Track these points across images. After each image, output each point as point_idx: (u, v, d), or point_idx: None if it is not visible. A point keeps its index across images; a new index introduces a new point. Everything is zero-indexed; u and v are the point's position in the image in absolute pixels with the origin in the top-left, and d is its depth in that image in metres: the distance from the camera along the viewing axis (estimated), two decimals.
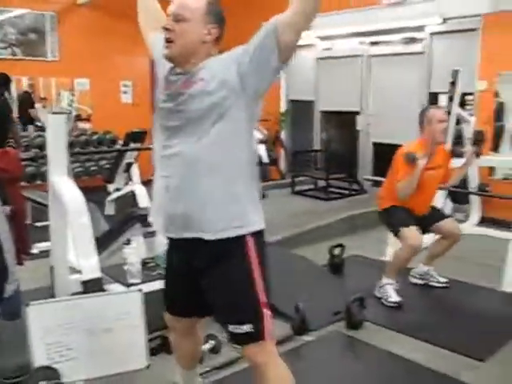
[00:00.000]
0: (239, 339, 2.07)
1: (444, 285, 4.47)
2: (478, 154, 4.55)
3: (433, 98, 7.20)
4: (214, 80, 1.97)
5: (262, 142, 6.88)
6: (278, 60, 1.90)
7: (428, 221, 4.24)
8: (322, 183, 7.94)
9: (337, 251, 4.89)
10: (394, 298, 4.09)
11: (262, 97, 2.06)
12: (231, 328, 2.05)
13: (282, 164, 9.40)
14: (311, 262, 4.74)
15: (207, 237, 2.01)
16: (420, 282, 4.55)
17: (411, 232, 4.01)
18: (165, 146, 2.08)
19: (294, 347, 3.47)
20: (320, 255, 4.95)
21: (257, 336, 2.03)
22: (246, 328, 2.01)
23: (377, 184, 7.73)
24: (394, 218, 4.16)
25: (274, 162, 8.95)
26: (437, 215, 4.34)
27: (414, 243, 3.99)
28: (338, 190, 7.81)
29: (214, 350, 3.20)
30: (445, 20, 7.08)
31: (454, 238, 4.31)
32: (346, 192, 7.82)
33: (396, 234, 4.14)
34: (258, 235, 2.07)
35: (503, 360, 3.33)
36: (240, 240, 2.03)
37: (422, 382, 3.14)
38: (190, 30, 2.02)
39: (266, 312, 2.04)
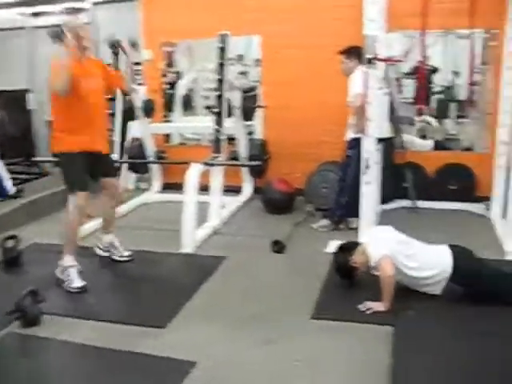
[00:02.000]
0: None
1: (127, 258, 4.40)
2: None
3: None
4: None
5: None
6: None
7: (101, 171, 4.14)
8: None
9: (10, 243, 4.46)
10: (77, 282, 3.87)
11: None
12: None
13: None
14: None
15: None
16: (104, 253, 4.44)
17: (81, 194, 3.91)
18: None
19: None
20: None
21: None
22: None
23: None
24: (67, 176, 3.98)
25: None
26: (109, 169, 4.28)
27: (81, 203, 3.91)
28: (16, 176, 7.19)
29: None
30: None
31: (114, 196, 4.33)
32: (26, 177, 7.25)
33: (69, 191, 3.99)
34: None
35: (180, 322, 3.37)
36: None
37: (98, 364, 2.99)
38: None
39: None
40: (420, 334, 3.11)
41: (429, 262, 3.44)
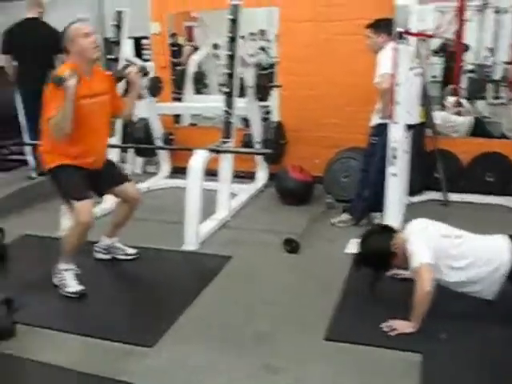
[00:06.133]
0: None
1: (132, 257, 3.91)
2: (145, 74, 3.94)
3: (110, 45, 6.53)
4: None
5: None
6: None
7: (105, 182, 3.59)
8: None
9: None
10: (74, 287, 3.39)
11: None
12: None
13: None
14: None
15: None
16: (106, 256, 3.91)
17: (83, 206, 3.31)
18: None
19: None
20: None
21: None
22: None
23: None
24: (64, 185, 3.40)
25: None
26: (115, 177, 3.68)
27: (86, 220, 3.31)
28: (18, 158, 6.72)
29: None
30: None
31: (134, 202, 3.75)
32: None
33: (68, 203, 3.42)
34: None
35: (170, 342, 2.88)
36: None
37: None
38: None
39: None
40: (452, 365, 2.60)
41: (482, 257, 2.84)
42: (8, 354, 2.81)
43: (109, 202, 4.46)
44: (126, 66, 3.74)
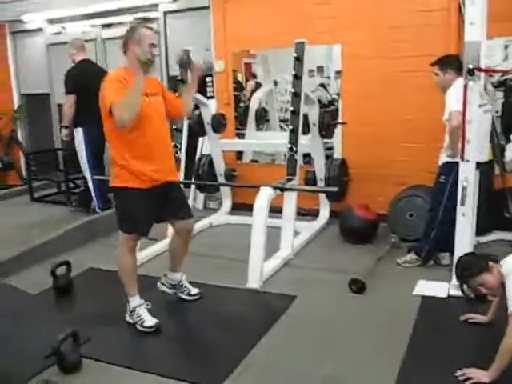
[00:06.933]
0: None
1: (195, 297, 3.87)
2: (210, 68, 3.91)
3: (172, 82, 6.66)
4: None
5: None
6: None
7: (170, 212, 3.56)
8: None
9: (61, 270, 4.09)
10: (149, 321, 3.41)
11: None
12: None
13: (23, 168, 8.26)
14: (20, 293, 3.88)
15: None
16: (169, 291, 3.89)
17: (128, 240, 3.46)
18: None
19: None
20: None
21: None
22: None
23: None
24: (119, 213, 3.48)
25: (9, 165, 7.91)
26: (182, 211, 3.64)
27: (132, 244, 3.49)
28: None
29: None
30: None
31: (186, 236, 3.73)
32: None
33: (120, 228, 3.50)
34: None
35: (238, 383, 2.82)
36: None
37: None
38: None
39: None
40: None
41: None
42: None
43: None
44: (186, 54, 3.79)
